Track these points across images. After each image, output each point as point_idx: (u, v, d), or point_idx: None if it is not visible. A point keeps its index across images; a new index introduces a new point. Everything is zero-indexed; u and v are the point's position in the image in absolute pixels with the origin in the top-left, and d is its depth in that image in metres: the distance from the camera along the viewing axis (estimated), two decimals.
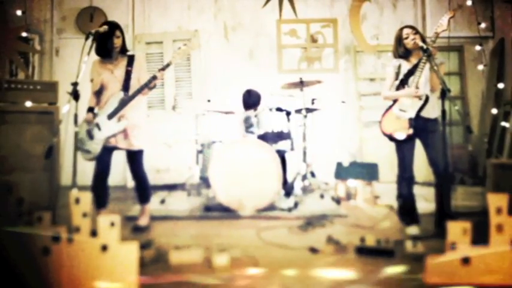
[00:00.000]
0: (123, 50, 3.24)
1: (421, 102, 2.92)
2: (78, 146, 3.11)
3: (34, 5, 5.75)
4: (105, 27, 3.05)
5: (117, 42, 3.16)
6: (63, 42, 5.89)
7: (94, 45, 2.94)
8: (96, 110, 3.18)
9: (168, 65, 3.17)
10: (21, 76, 5.23)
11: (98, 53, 3.18)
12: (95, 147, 3.10)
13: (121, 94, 3.12)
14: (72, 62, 5.45)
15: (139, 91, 3.11)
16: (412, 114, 2.94)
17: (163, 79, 3.19)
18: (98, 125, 3.11)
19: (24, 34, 5.11)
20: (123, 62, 3.21)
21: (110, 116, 3.10)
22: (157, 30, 5.91)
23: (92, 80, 3.23)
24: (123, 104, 3.10)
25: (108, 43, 3.13)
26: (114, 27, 3.16)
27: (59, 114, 3.71)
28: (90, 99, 3.24)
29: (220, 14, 5.95)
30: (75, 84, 2.75)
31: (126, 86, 3.14)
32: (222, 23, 5.93)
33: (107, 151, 3.17)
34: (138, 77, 3.20)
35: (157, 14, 5.95)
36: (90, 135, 3.11)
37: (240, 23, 5.95)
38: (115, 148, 3.20)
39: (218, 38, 5.92)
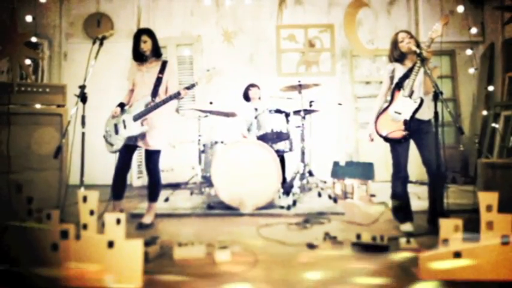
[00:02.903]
0: (156, 53, 3.31)
1: (415, 105, 2.92)
2: (105, 137, 3.25)
3: (43, 11, 5.76)
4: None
5: (145, 46, 3.24)
6: (71, 47, 5.90)
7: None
8: (126, 107, 3.28)
9: (193, 85, 3.26)
10: (30, 80, 5.24)
11: (132, 57, 3.31)
12: (118, 142, 3.18)
13: (148, 99, 3.19)
14: (80, 65, 5.45)
15: (164, 102, 3.18)
16: (407, 116, 2.94)
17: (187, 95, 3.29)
18: (124, 122, 3.19)
19: (34, 39, 5.12)
20: (156, 67, 3.29)
21: (136, 118, 3.17)
22: (162, 35, 5.90)
23: (128, 79, 3.37)
24: (149, 110, 3.17)
25: (136, 47, 3.25)
26: (140, 32, 3.28)
27: (67, 116, 3.72)
28: (125, 96, 3.36)
29: (222, 20, 5.96)
30: (82, 87, 2.76)
31: (154, 92, 3.22)
32: (223, 28, 5.93)
33: (128, 149, 3.24)
34: (167, 81, 3.28)
35: (161, 20, 5.96)
36: (116, 130, 3.20)
37: (241, 28, 5.95)
38: (136, 146, 3.26)
39: (220, 42, 5.93)
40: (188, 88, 3.24)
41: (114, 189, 3.26)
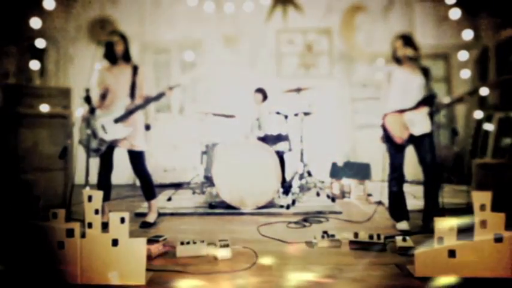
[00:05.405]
0: (126, 56, 3.23)
1: (429, 130, 2.88)
2: (83, 143, 3.11)
3: (50, 15, 5.75)
4: (115, 34, 3.06)
5: (118, 48, 3.17)
6: (77, 50, 5.90)
7: (103, 52, 2.97)
8: (97, 111, 3.14)
9: (177, 85, 3.23)
10: (37, 82, 5.25)
11: (105, 56, 3.22)
12: (99, 147, 3.12)
13: (127, 101, 3.15)
14: (85, 68, 5.47)
15: (146, 103, 3.15)
16: (416, 132, 2.90)
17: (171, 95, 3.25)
18: (103, 127, 3.12)
19: (41, 43, 5.12)
20: (127, 70, 3.23)
21: (117, 121, 3.13)
22: (165, 39, 5.92)
23: (99, 85, 3.26)
24: (130, 112, 3.13)
25: (109, 49, 3.16)
26: (115, 34, 3.21)
27: (72, 117, 3.73)
28: (97, 101, 3.23)
29: (223, 24, 5.96)
30: (87, 89, 2.76)
31: (132, 95, 3.18)
32: (225, 32, 5.93)
33: (109, 150, 3.20)
34: (140, 85, 3.23)
35: (164, 24, 5.96)
36: (95, 135, 3.12)
37: (242, 32, 5.95)
38: (116, 146, 3.22)
39: (221, 46, 5.94)
40: (172, 88, 3.21)
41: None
